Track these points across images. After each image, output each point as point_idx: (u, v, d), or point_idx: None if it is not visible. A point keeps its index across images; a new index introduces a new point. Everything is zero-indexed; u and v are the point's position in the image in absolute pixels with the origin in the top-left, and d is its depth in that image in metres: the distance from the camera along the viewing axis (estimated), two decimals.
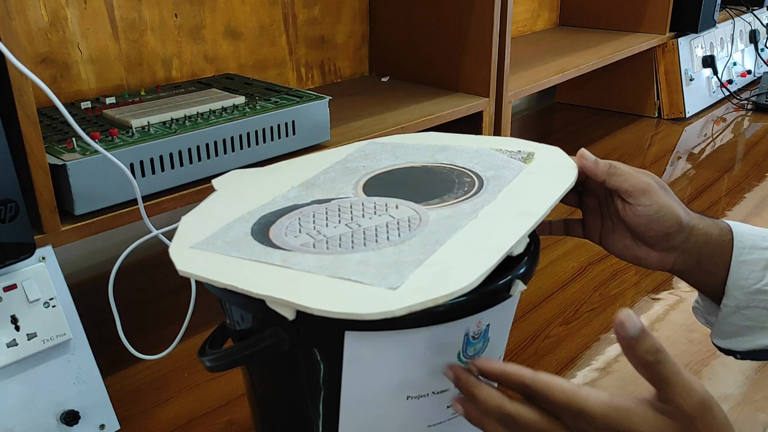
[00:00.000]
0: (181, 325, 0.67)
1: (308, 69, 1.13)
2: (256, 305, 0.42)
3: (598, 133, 1.59)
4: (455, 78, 1.11)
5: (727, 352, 0.58)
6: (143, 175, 0.70)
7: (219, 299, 0.51)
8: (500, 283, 0.45)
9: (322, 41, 1.14)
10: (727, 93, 1.77)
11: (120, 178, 0.64)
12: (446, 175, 0.56)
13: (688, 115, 1.64)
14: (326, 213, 0.51)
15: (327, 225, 0.50)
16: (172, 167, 0.72)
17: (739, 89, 1.82)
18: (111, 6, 0.88)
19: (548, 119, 1.71)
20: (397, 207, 0.51)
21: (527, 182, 0.54)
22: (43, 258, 0.63)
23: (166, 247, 0.50)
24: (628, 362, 0.42)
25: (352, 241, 0.47)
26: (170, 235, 0.64)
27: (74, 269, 0.94)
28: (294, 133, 0.82)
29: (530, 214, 0.48)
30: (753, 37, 1.92)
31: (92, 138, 0.68)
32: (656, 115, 1.67)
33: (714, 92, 1.75)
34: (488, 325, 0.47)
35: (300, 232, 0.49)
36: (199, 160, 0.74)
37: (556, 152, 0.59)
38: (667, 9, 1.59)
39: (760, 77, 1.90)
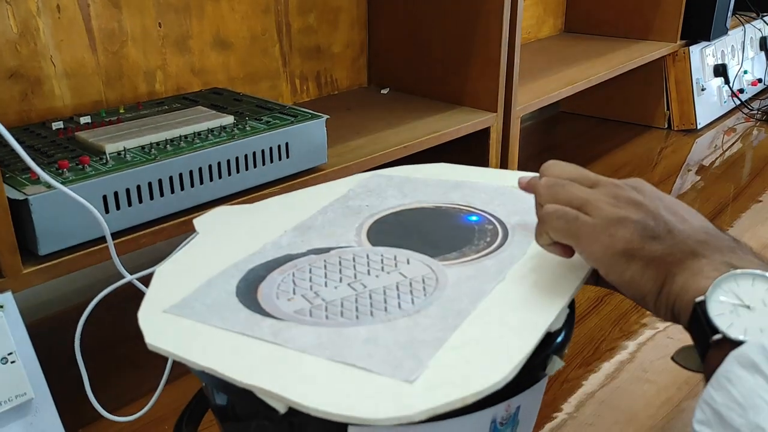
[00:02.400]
0: (158, 371, 0.59)
1: (303, 81, 1.06)
2: (240, 392, 0.35)
3: (605, 145, 1.52)
4: (460, 91, 1.04)
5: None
6: (118, 207, 0.62)
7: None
8: (535, 362, 0.37)
9: (317, 51, 1.06)
10: (738, 102, 1.71)
11: (90, 213, 0.57)
12: (463, 220, 0.49)
13: (699, 127, 1.57)
14: (325, 267, 0.44)
15: (326, 284, 0.42)
16: (151, 198, 0.64)
17: (749, 98, 1.75)
18: (87, 15, 0.80)
19: (553, 130, 1.64)
20: (408, 262, 0.44)
21: None
22: (1, 306, 0.55)
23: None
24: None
25: (357, 308, 0.39)
26: (147, 281, 0.56)
27: (35, 302, 0.86)
28: (288, 157, 0.74)
29: (568, 277, 0.41)
30: (763, 44, 1.85)
31: (60, 167, 0.61)
32: (666, 126, 1.60)
33: (725, 102, 1.68)
34: (518, 407, 0.39)
35: (294, 293, 0.41)
36: (182, 189, 0.66)
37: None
38: (678, 16, 1.51)
39: None
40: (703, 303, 0.35)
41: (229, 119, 0.73)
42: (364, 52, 1.13)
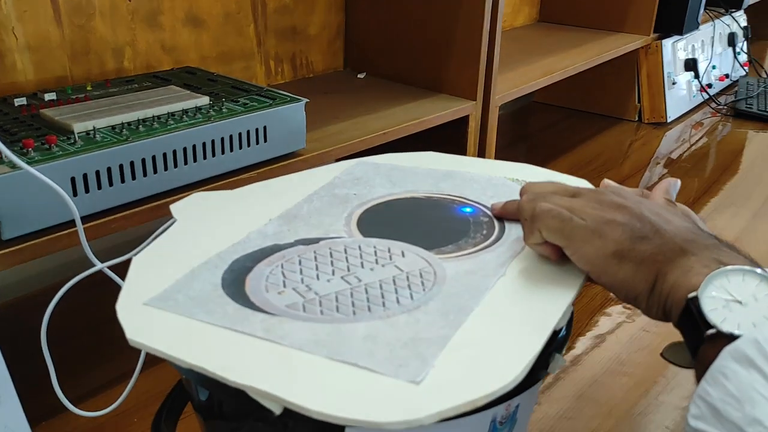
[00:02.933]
0: (126, 361, 0.55)
1: (278, 62, 1.02)
2: (232, 391, 0.32)
3: (577, 137, 1.52)
4: (439, 78, 1.02)
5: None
6: (87, 190, 0.59)
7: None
8: (539, 361, 0.36)
9: (293, 32, 1.03)
10: (707, 97, 1.73)
11: (58, 196, 0.53)
12: (457, 212, 0.47)
13: (669, 120, 1.58)
14: (316, 259, 0.42)
15: (318, 277, 0.40)
16: (123, 181, 0.61)
17: (716, 93, 1.77)
18: None
19: (525, 121, 1.63)
20: (403, 255, 0.42)
21: None
22: None
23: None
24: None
25: (353, 304, 0.37)
26: (119, 270, 0.53)
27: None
28: (265, 141, 0.72)
29: (571, 272, 0.39)
30: (731, 40, 1.88)
31: (25, 146, 0.57)
32: (637, 118, 1.61)
33: (694, 96, 1.70)
34: (517, 406, 0.38)
35: (285, 286, 0.39)
36: (155, 172, 0.63)
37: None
38: (652, 9, 1.52)
39: (737, 81, 1.87)
40: (696, 299, 0.35)
41: (204, 100, 0.70)
42: (340, 34, 1.10)
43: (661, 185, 0.44)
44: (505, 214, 0.46)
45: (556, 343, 0.37)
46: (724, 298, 0.35)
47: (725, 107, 1.70)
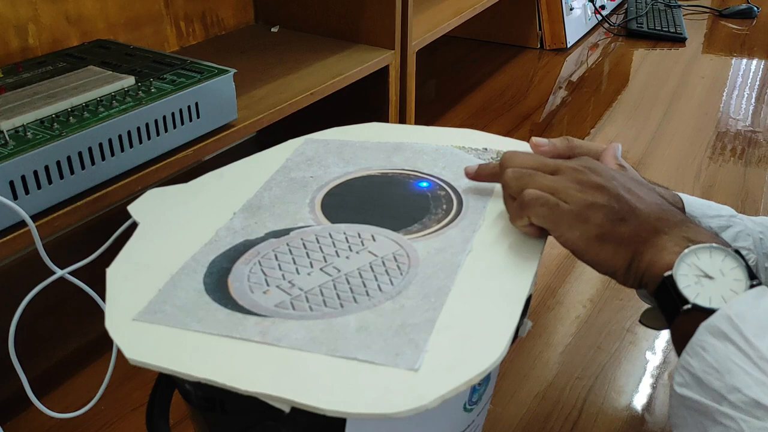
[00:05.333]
0: (100, 354, 0.56)
1: (188, 22, 0.99)
2: (239, 397, 0.35)
3: (486, 69, 1.56)
4: (355, 28, 1.02)
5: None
6: (27, 192, 0.57)
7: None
8: None
9: None
10: (600, 18, 1.80)
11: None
12: (415, 187, 0.50)
13: (569, 45, 1.65)
14: (291, 252, 0.43)
15: (298, 271, 0.42)
16: (61, 177, 0.59)
17: (609, 13, 1.85)
18: None
19: (433, 56, 1.65)
20: (374, 239, 0.44)
21: None
22: None
23: None
24: None
25: (338, 296, 0.40)
26: (80, 276, 0.53)
27: None
28: (198, 117, 0.71)
29: (532, 240, 0.43)
30: None
31: None
32: (539, 46, 1.66)
33: (590, 19, 1.77)
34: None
35: (268, 284, 0.41)
36: (93, 164, 0.61)
37: (525, 148, 0.54)
38: None
39: (627, 0, 1.95)
40: (671, 277, 0.39)
41: (129, 81, 0.68)
42: None
43: (609, 151, 0.48)
44: (478, 178, 0.49)
45: (525, 308, 0.41)
46: (695, 274, 0.39)
47: (618, 27, 1.78)
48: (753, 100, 1.40)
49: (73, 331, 0.77)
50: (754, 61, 1.61)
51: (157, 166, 0.67)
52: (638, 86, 1.45)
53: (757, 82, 1.49)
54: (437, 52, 1.67)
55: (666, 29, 1.72)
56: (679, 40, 1.70)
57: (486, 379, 0.43)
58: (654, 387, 0.69)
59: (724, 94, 1.42)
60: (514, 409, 0.66)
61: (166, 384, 0.46)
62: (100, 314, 0.40)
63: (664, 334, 0.76)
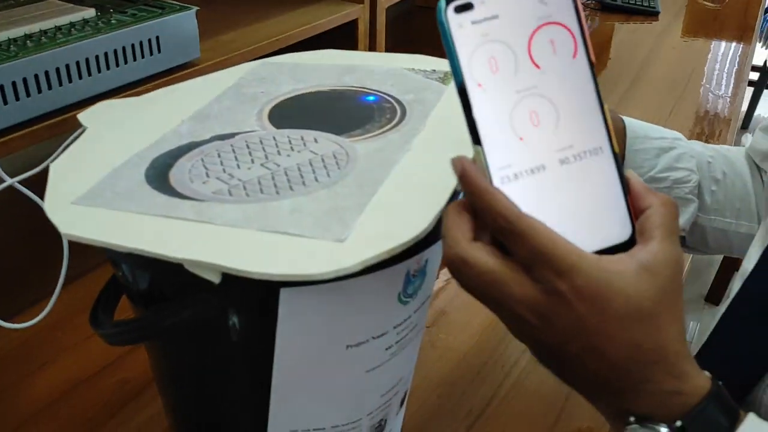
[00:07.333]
0: (49, 271, 0.56)
1: None
2: (168, 269, 0.35)
3: None
4: None
5: None
6: None
7: (112, 260, 0.43)
8: (441, 218, 0.41)
9: None
10: None
11: None
12: (362, 100, 0.51)
13: None
14: (234, 151, 0.44)
15: (239, 166, 0.43)
16: (17, 98, 0.60)
17: None
18: None
19: (409, 25, 1.66)
20: (316, 141, 0.45)
21: (454, 106, 0.49)
22: None
23: None
24: None
25: (275, 185, 0.40)
26: (30, 184, 0.53)
27: None
28: (159, 51, 0.71)
29: (467, 141, 0.44)
30: None
31: None
32: None
33: None
34: (427, 260, 0.43)
35: (208, 176, 0.42)
36: (50, 88, 0.62)
37: None
38: None
39: None
40: None
41: (90, 12, 0.69)
42: None
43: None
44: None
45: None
46: None
47: (593, 2, 1.80)
48: (724, 71, 1.42)
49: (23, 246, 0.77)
50: (724, 40, 1.63)
51: (117, 96, 0.68)
52: (612, 56, 1.47)
53: (729, 56, 1.52)
54: (413, 21, 1.67)
55: (639, 3, 1.74)
56: (652, 14, 1.72)
57: (421, 273, 0.44)
58: None
59: (695, 62, 1.45)
60: (466, 337, 0.68)
61: (114, 288, 0.47)
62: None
63: None
